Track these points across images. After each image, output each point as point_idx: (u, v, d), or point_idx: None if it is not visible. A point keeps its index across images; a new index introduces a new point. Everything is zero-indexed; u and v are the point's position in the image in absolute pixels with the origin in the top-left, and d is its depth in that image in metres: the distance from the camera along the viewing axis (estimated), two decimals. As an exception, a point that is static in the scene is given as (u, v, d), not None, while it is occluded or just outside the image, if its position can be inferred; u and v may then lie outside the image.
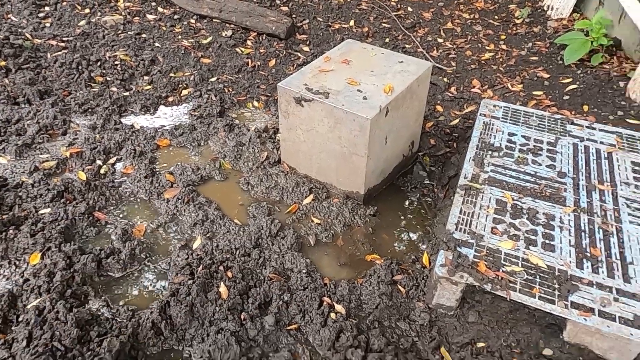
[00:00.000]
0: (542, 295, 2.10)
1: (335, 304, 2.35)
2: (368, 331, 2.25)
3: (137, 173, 3.09)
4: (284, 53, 4.50)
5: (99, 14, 4.92)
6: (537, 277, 2.17)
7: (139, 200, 2.96)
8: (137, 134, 3.45)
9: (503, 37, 4.82)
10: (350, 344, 2.14)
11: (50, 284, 2.32)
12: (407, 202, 3.04)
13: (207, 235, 2.71)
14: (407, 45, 4.69)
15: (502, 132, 3.06)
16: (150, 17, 4.95)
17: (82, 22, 4.74)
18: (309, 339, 2.22)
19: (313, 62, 3.07)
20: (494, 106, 3.32)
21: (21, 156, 3.18)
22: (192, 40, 4.59)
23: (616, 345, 2.02)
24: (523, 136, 3.04)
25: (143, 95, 3.83)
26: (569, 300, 2.07)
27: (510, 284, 2.13)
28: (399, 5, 5.47)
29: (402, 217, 2.94)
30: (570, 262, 2.25)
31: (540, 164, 2.82)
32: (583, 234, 2.39)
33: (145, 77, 4.08)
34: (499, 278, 2.14)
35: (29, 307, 2.22)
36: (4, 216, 2.66)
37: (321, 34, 4.85)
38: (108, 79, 4.00)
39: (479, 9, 5.41)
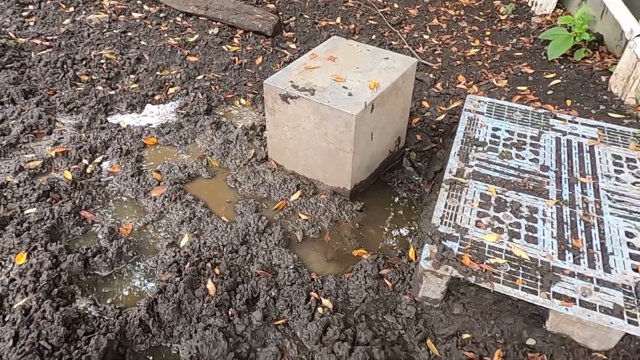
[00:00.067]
0: (525, 286, 2.13)
1: (322, 299, 2.37)
2: (355, 325, 2.27)
3: (123, 172, 3.09)
4: (271, 50, 4.50)
5: (83, 12, 4.89)
6: (520, 268, 2.21)
7: (125, 199, 2.95)
8: (123, 132, 3.44)
9: (488, 33, 4.87)
10: (337, 337, 2.16)
11: (36, 283, 2.32)
12: (393, 198, 3.07)
13: (195, 232, 2.72)
14: (393, 42, 4.72)
15: (487, 127, 3.10)
16: (135, 15, 4.92)
17: (67, 21, 4.70)
18: (296, 334, 2.24)
19: (299, 59, 3.08)
20: (479, 101, 3.36)
21: (6, 156, 3.16)
22: (178, 39, 4.57)
23: (597, 334, 2.07)
24: (507, 131, 3.08)
25: (129, 94, 3.81)
26: (551, 291, 2.11)
27: (494, 276, 2.16)
28: (385, 2, 5.49)
29: (388, 212, 2.97)
30: (552, 253, 2.29)
31: (523, 158, 2.86)
32: (565, 226, 2.44)
33: (132, 76, 4.07)
34: (483, 270, 2.18)
35: (15, 306, 2.21)
36: (-12, 216, 2.65)
37: (308, 31, 4.86)
38: (94, 77, 3.98)
39: (465, 5, 5.45)
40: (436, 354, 2.17)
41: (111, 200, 2.94)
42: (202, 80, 4.08)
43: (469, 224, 2.43)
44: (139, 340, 2.16)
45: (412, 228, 2.85)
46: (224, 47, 4.52)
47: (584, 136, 3.05)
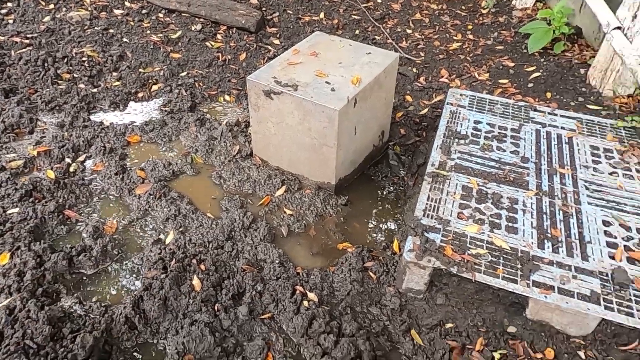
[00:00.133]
0: (506, 275, 2.18)
1: (307, 292, 2.39)
2: (340, 317, 2.31)
3: (107, 170, 3.07)
4: (255, 46, 4.50)
5: (64, 9, 4.82)
6: (501, 258, 2.26)
7: (110, 197, 2.94)
8: (106, 130, 3.42)
9: (470, 27, 4.92)
10: (322, 330, 2.19)
11: (20, 283, 2.30)
12: (378, 191, 3.11)
13: (180, 229, 2.72)
14: (376, 37, 4.74)
15: (468, 120, 3.15)
16: (117, 12, 4.88)
17: (47, 18, 4.64)
18: (282, 327, 2.27)
19: (282, 55, 3.09)
20: (461, 95, 3.40)
21: (-13, 156, 3.13)
22: (161, 35, 4.54)
23: (575, 320, 2.13)
24: (488, 123, 3.13)
25: (112, 92, 3.79)
26: (530, 280, 2.17)
27: (476, 266, 2.21)
28: (368, -3, 5.51)
29: (373, 206, 3.00)
30: (532, 243, 2.34)
31: (504, 150, 2.91)
32: (544, 216, 2.49)
33: (114, 73, 4.03)
34: (465, 261, 2.22)
35: (-1, 307, 2.20)
36: (-30, 217, 2.62)
37: (291, 27, 4.86)
38: (75, 75, 3.94)
39: (447, -1, 5.49)
40: (420, 343, 2.21)
41: (95, 199, 2.92)
42: (186, 77, 4.06)
43: (451, 215, 2.47)
44: (125, 338, 2.17)
45: (396, 221, 2.89)
46: (207, 43, 4.50)
47: (563, 128, 3.11)
